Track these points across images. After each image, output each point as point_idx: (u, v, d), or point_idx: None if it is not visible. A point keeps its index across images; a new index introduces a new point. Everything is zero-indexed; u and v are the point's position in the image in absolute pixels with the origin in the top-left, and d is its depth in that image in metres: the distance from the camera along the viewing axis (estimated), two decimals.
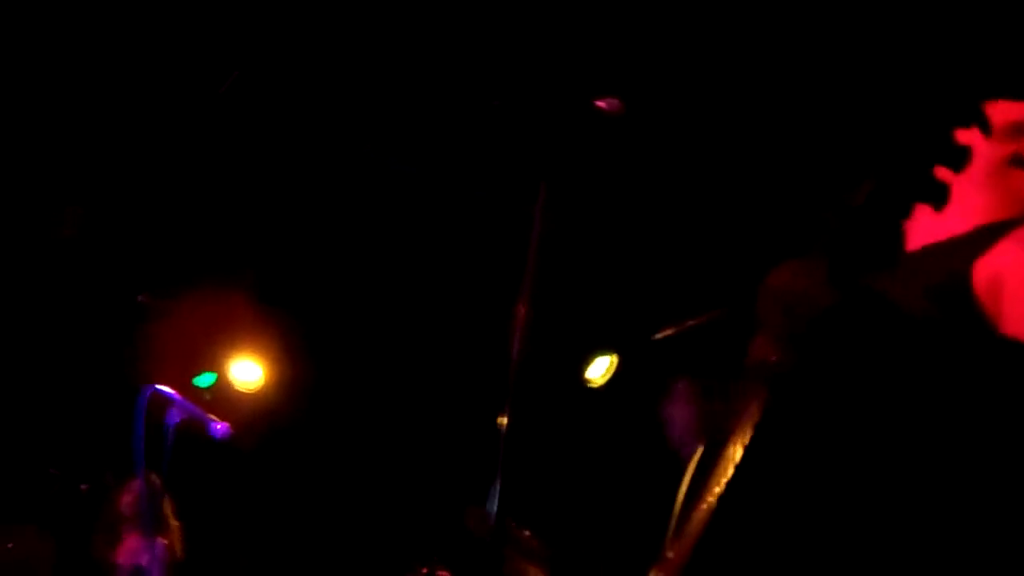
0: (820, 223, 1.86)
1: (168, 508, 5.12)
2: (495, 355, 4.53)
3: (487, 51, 4.51)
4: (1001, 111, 2.17)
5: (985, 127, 1.72)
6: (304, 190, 5.76)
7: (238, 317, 6.31)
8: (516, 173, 4.20)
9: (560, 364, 5.85)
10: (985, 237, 1.84)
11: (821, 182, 4.70)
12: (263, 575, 6.45)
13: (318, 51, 4.79)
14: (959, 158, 1.63)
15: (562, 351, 5.68)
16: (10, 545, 5.16)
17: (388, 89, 4.88)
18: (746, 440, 2.05)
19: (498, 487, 3.22)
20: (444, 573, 5.26)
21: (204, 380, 6.18)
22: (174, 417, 4.49)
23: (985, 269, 1.79)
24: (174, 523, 5.15)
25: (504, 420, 3.15)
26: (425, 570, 5.20)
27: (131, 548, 4.96)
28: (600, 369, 6.14)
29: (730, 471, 2.10)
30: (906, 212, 1.80)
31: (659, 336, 5.99)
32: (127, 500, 5.06)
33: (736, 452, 2.08)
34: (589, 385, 6.10)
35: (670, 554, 2.70)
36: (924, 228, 2.15)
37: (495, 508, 4.27)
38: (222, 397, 6.22)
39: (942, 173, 1.69)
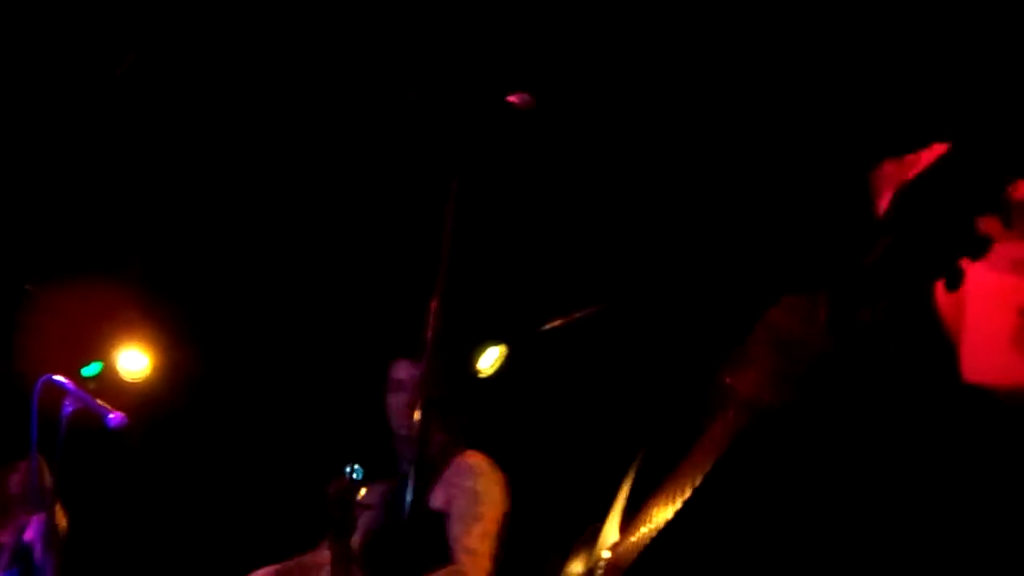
0: (826, 267, 1.81)
1: (51, 485, 5.06)
2: (394, 345, 4.59)
3: (401, 45, 4.55)
4: None
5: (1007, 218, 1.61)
6: (196, 177, 5.73)
7: (124, 306, 6.25)
8: (428, 166, 4.24)
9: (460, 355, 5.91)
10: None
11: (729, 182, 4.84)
12: (148, 558, 6.41)
13: (221, 37, 4.77)
14: (980, 247, 1.57)
15: (461, 342, 5.75)
16: None
17: (298, 79, 4.89)
18: (706, 468, 2.02)
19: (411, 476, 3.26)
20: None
21: (90, 370, 6.10)
22: (68, 407, 4.47)
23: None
24: (56, 501, 5.09)
25: (417, 412, 3.19)
26: None
27: (17, 526, 4.89)
28: (490, 360, 6.21)
29: (686, 492, 2.09)
30: (919, 284, 1.74)
31: (547, 328, 6.10)
32: (15, 480, 4.98)
33: (693, 477, 2.06)
34: (479, 375, 6.17)
35: (607, 552, 2.72)
36: None
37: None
38: (108, 386, 6.15)
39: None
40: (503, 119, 2.96)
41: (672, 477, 2.19)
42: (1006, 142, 1.57)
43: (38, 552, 4.56)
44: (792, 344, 1.79)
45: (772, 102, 4.54)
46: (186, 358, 6.53)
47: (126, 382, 6.29)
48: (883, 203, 2.21)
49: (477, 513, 4.18)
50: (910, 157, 2.25)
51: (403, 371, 4.69)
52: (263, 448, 6.58)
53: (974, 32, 3.88)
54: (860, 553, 1.88)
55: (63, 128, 5.39)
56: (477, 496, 4.23)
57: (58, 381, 4.45)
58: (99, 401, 4.55)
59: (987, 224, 1.99)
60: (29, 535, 4.81)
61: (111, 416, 4.46)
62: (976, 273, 1.65)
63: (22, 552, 4.79)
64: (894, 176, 2.23)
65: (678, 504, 2.10)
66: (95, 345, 6.23)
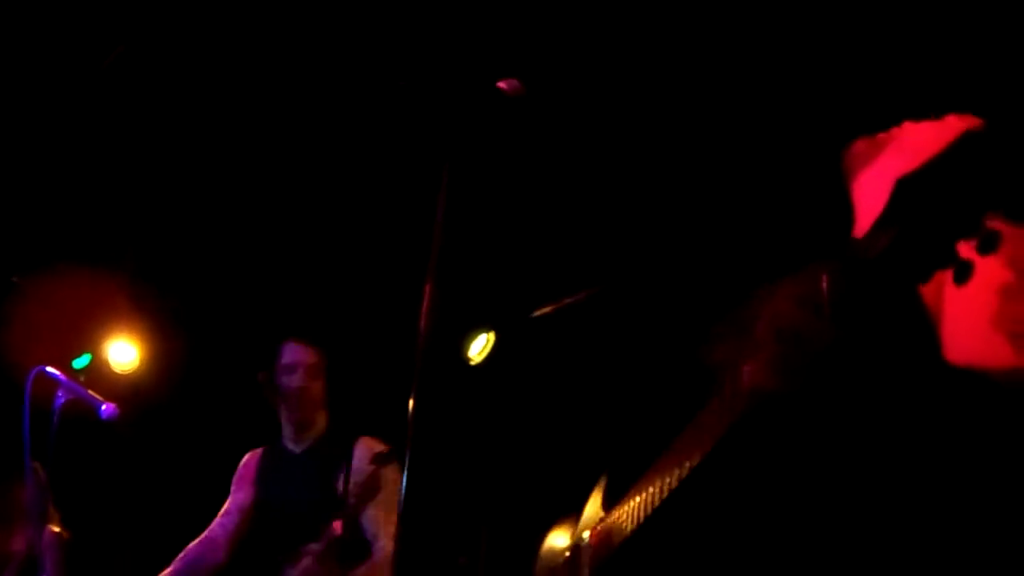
0: (827, 253, 1.81)
1: (45, 482, 5.06)
2: (384, 334, 4.59)
3: (390, 33, 4.54)
4: (968, 127, 2.19)
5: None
6: (185, 168, 5.72)
7: (114, 297, 6.25)
8: (420, 153, 4.25)
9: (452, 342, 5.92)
10: None
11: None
12: (145, 553, 6.40)
13: (212, 27, 4.76)
14: (990, 242, 1.55)
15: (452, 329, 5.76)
16: None
17: (288, 68, 4.88)
18: (705, 448, 2.03)
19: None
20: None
21: (80, 361, 6.10)
22: (60, 398, 4.47)
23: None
24: (53, 512, 5.08)
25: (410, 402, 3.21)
26: None
27: (28, 536, 4.89)
28: (478, 346, 6.22)
29: (684, 470, 2.09)
30: (925, 277, 1.70)
31: (537, 314, 6.11)
32: (25, 491, 4.98)
33: (690, 456, 2.07)
34: (469, 362, 6.18)
35: (588, 535, 2.73)
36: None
37: None
38: (96, 378, 6.14)
39: (966, 251, 1.61)
40: (493, 106, 2.96)
41: (665, 456, 2.20)
42: (1016, 134, 1.56)
43: (47, 563, 4.56)
44: (797, 335, 1.79)
45: (753, 86, 4.56)
46: (175, 349, 6.53)
47: (115, 373, 6.30)
48: (856, 181, 2.23)
49: (395, 502, 4.26)
50: (882, 135, 2.26)
51: (294, 353, 4.79)
52: (251, 440, 6.59)
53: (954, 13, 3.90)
54: (856, 538, 1.90)
55: (52, 119, 5.37)
56: (395, 485, 4.29)
57: (50, 373, 4.45)
58: (91, 392, 4.55)
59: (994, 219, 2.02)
60: (40, 546, 4.81)
61: (104, 407, 4.46)
62: None
63: (31, 562, 4.80)
64: (867, 154, 2.24)
65: (673, 482, 2.10)
66: (84, 337, 6.23)
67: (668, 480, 2.12)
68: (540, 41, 4.44)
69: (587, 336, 5.92)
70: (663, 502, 2.16)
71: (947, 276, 1.65)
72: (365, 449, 4.80)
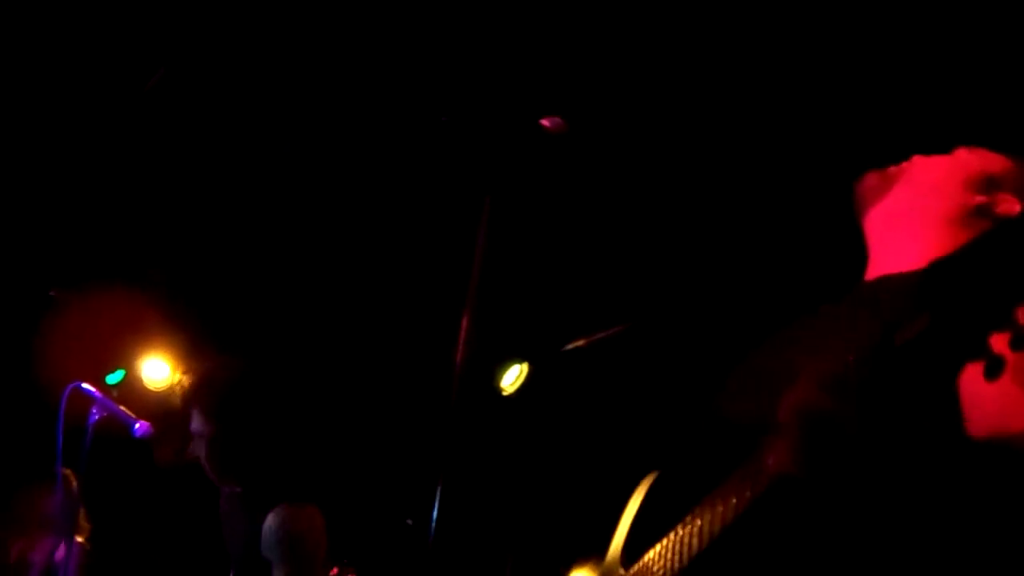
0: (853, 345, 1.73)
1: (77, 494, 5.08)
2: (420, 361, 4.60)
3: (434, 67, 4.58)
4: (978, 160, 2.20)
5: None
6: (222, 189, 5.76)
7: (148, 314, 6.29)
8: (461, 187, 4.28)
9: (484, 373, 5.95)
10: None
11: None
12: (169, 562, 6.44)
13: (251, 53, 4.80)
14: (1020, 339, 1.48)
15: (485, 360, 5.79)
16: None
17: (331, 99, 4.92)
18: (726, 522, 1.96)
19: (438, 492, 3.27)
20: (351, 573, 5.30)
21: (114, 377, 6.14)
22: (94, 415, 4.50)
23: None
24: (85, 524, 5.11)
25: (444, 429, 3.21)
26: (336, 570, 5.24)
27: (48, 546, 4.92)
28: (511, 377, 6.25)
29: (696, 545, 2.06)
30: (956, 368, 1.65)
31: (569, 347, 6.13)
32: (49, 500, 5.00)
33: (713, 528, 1.99)
34: (502, 393, 6.21)
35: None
36: (881, 261, 2.19)
37: None
38: (128, 394, 6.18)
39: (998, 345, 1.52)
40: (535, 142, 2.98)
41: (683, 524, 2.15)
42: None
43: (68, 574, 4.58)
44: (822, 421, 1.73)
45: (770, 127, 4.59)
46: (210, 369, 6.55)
47: (148, 390, 6.34)
48: (867, 216, 2.22)
49: None
50: (893, 169, 2.26)
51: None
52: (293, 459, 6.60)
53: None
54: None
55: (88, 138, 5.42)
56: None
57: (86, 389, 4.47)
58: (124, 409, 4.57)
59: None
60: (59, 556, 4.83)
61: (137, 425, 4.49)
62: None
63: (50, 573, 4.83)
64: (878, 188, 2.24)
65: (694, 554, 2.06)
66: (118, 353, 6.27)
67: (689, 549, 2.07)
68: (583, 79, 4.47)
69: (618, 370, 5.93)
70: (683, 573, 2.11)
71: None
72: None
